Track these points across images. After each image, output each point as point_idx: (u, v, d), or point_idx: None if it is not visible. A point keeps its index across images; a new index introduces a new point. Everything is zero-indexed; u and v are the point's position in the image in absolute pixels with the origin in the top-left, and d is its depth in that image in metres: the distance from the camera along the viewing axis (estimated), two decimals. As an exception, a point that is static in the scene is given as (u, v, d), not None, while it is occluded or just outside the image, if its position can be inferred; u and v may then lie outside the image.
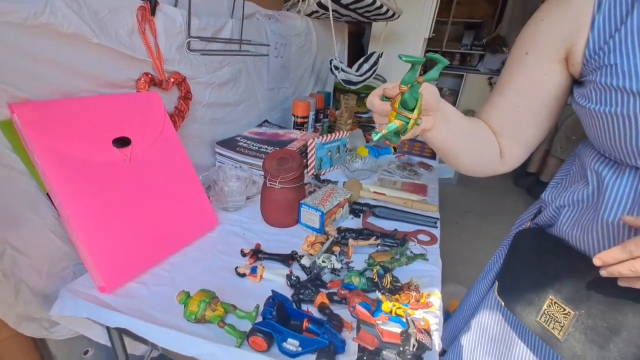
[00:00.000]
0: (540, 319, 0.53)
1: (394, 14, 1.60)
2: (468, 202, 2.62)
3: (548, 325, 0.52)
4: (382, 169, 1.17)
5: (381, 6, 1.45)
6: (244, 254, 0.68)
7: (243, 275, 0.62)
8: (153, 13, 0.69)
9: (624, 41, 0.45)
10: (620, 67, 0.45)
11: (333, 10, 1.46)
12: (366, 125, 1.65)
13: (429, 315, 0.56)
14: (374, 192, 0.98)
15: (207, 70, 0.92)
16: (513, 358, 0.61)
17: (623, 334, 0.44)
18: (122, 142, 0.63)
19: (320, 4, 1.36)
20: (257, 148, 1.00)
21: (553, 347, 0.51)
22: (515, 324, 0.61)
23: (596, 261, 0.42)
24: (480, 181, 3.07)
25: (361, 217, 0.86)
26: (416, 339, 0.44)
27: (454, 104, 3.79)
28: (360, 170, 1.10)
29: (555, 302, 0.52)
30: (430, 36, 2.13)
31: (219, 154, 0.99)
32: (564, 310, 0.50)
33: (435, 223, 0.85)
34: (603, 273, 0.42)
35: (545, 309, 0.53)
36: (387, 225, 0.84)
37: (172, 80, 0.77)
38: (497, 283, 0.65)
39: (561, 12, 0.53)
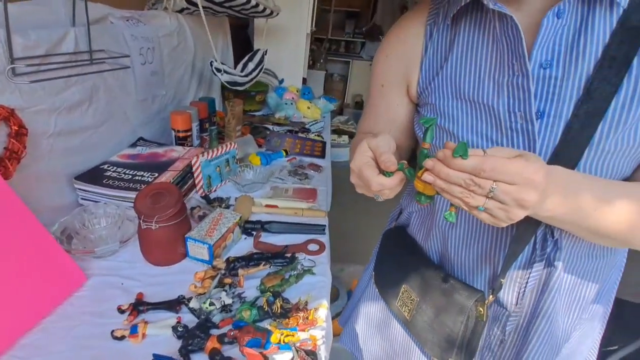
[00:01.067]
0: (397, 304, 0.65)
1: (272, 12, 1.58)
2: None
3: (402, 309, 0.64)
4: (274, 176, 1.19)
5: (257, 5, 1.41)
6: (121, 311, 0.62)
7: (122, 337, 0.57)
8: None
9: (440, 86, 0.55)
10: (436, 107, 0.55)
11: (206, 8, 1.36)
12: (258, 127, 1.63)
13: (317, 330, 0.62)
14: (266, 205, 1.00)
15: (47, 94, 0.77)
16: (392, 335, 0.73)
17: (439, 317, 0.57)
18: None
19: (189, 1, 1.25)
20: (130, 177, 0.89)
21: (406, 326, 0.64)
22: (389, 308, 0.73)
23: (428, 164, 0.40)
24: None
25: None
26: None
27: (344, 88, 4.04)
28: (252, 183, 1.10)
29: (406, 290, 0.63)
30: (313, 30, 2.19)
31: (81, 190, 0.85)
32: (411, 296, 0.62)
33: (323, 230, 0.92)
34: (429, 178, 0.40)
35: (400, 296, 0.64)
36: (281, 239, 0.87)
37: (-9, 118, 0.62)
38: (373, 273, 0.76)
39: (400, 50, 0.61)
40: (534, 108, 0.45)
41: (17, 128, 0.68)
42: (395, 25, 0.62)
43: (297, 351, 0.51)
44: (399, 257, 0.70)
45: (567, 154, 0.45)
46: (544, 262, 0.52)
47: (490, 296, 0.55)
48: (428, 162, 0.40)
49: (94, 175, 0.87)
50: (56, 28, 0.79)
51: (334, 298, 1.56)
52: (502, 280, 0.53)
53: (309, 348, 0.56)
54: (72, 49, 0.83)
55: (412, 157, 0.72)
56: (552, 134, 0.46)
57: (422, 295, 0.60)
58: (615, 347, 1.29)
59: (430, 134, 0.41)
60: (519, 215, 0.38)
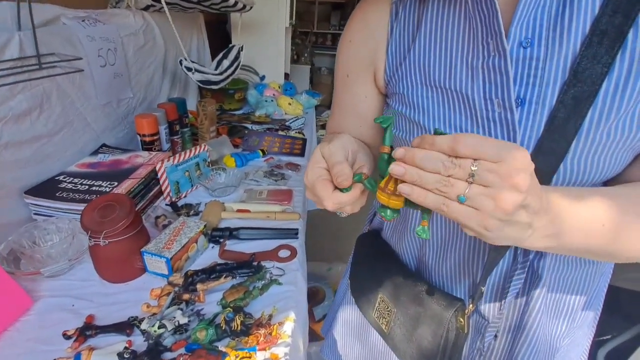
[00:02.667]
0: (374, 315, 0.59)
1: (244, 6, 1.51)
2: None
3: (379, 320, 0.59)
4: (249, 177, 1.14)
5: (226, -1, 1.35)
6: (67, 337, 0.57)
7: (64, 367, 0.52)
8: None
9: (407, 72, 0.48)
10: (405, 97, 0.49)
11: (174, 4, 1.30)
12: (236, 126, 1.58)
13: (280, 347, 0.57)
14: (238, 210, 0.95)
15: (-12, 103, 0.71)
16: (372, 343, 0.68)
17: (418, 330, 0.52)
18: None
19: (153, -3, 1.19)
20: (86, 188, 0.84)
21: (384, 338, 0.58)
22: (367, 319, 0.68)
23: (399, 152, 0.32)
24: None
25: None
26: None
27: (332, 83, 3.93)
28: (224, 187, 1.05)
29: (383, 300, 0.58)
30: (292, 23, 2.12)
31: (33, 204, 0.80)
32: (388, 307, 0.57)
33: (296, 234, 0.87)
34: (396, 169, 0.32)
35: (377, 306, 0.59)
36: (250, 246, 0.82)
37: None
38: (349, 281, 0.71)
39: (363, 34, 0.53)
40: (513, 94, 0.39)
41: (-52, 143, 0.63)
42: (358, 6, 0.55)
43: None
44: (373, 264, 0.65)
45: (552, 146, 0.39)
46: (526, 269, 0.47)
47: (470, 305, 0.50)
48: (399, 150, 0.32)
49: (46, 188, 0.82)
50: (-2, 32, 0.73)
51: (320, 299, 1.52)
52: (482, 288, 0.49)
53: (267, 370, 0.51)
54: (16, 55, 0.77)
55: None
56: (534, 123, 0.40)
57: (398, 306, 0.55)
58: (609, 337, 1.25)
59: (389, 135, 0.35)
60: (511, 201, 0.28)
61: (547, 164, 0.39)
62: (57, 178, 0.86)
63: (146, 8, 1.29)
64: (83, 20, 1.02)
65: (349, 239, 0.84)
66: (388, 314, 0.57)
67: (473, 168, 0.28)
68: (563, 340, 0.54)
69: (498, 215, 0.29)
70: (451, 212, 0.30)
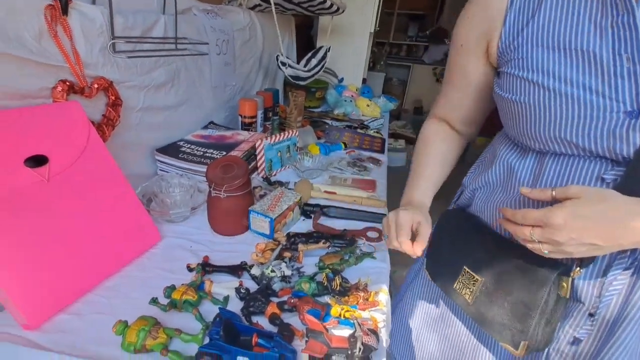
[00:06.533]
0: (456, 287, 0.59)
1: (338, 9, 1.60)
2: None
3: (462, 292, 0.58)
4: (332, 166, 1.19)
5: (324, 1, 1.44)
6: (190, 269, 0.65)
7: (189, 292, 0.59)
8: (65, 12, 0.62)
9: (530, 37, 0.50)
10: (525, 60, 0.50)
11: (277, 4, 1.42)
12: (317, 121, 1.65)
13: (377, 312, 0.58)
14: (325, 191, 0.99)
15: (139, 72, 0.85)
16: (454, 334, 0.66)
17: (514, 294, 0.50)
18: (37, 160, 0.57)
19: (262, -2, 1.32)
20: (201, 153, 0.95)
21: (464, 309, 0.58)
22: (448, 303, 0.66)
23: (507, 213, 0.49)
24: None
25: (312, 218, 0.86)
26: (362, 342, 0.45)
27: (402, 93, 3.94)
28: (311, 169, 1.10)
29: (467, 271, 0.57)
30: (376, 29, 2.17)
31: (160, 161, 0.93)
32: (474, 277, 0.56)
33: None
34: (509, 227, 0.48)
35: (460, 278, 0.59)
36: (339, 224, 0.86)
37: (95, 86, 0.70)
38: (425, 259, 0.70)
39: (480, 10, 0.57)
40: None
41: (114, 98, 0.76)
42: None
43: (359, 325, 0.49)
44: (456, 237, 0.65)
45: None
46: (628, 256, 0.45)
47: (577, 268, 0.47)
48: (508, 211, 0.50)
49: (171, 150, 0.94)
50: (150, 14, 0.88)
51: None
52: (586, 260, 0.46)
53: (370, 327, 0.53)
54: (161, 34, 0.92)
55: (487, 124, 0.68)
56: None
57: (487, 274, 0.55)
58: None
59: None
60: (564, 250, 0.43)
61: None
62: (178, 143, 0.99)
63: (254, 7, 1.43)
64: (208, 13, 1.17)
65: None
66: (473, 283, 0.56)
67: (531, 232, 0.44)
68: None
69: (562, 253, 0.44)
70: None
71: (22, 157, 0.55)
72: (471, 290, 0.56)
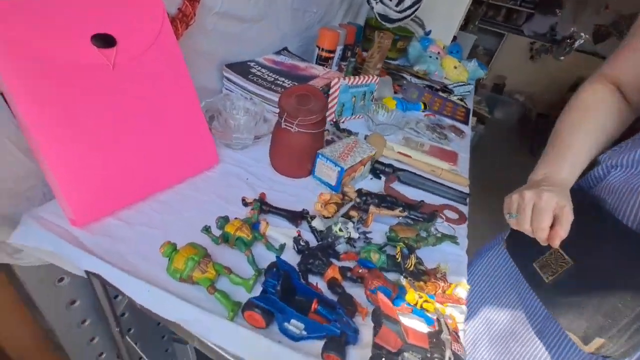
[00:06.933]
0: (535, 264, 0.54)
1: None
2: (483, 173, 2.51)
3: (540, 270, 0.53)
4: (408, 126, 1.03)
5: None
6: (245, 204, 0.58)
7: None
8: None
9: None
10: None
11: None
12: (395, 74, 1.45)
13: (456, 311, 0.48)
14: (399, 152, 0.86)
15: (225, -35, 0.73)
16: (525, 355, 0.56)
17: (614, 289, 0.45)
18: (105, 41, 0.48)
19: None
20: (272, 79, 0.84)
21: (534, 289, 0.55)
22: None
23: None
24: (495, 153, 2.93)
25: (382, 180, 0.75)
26: (452, 350, 0.35)
27: (486, 64, 3.43)
28: (385, 125, 0.96)
29: (558, 252, 0.52)
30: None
31: (228, 79, 0.83)
32: (563, 257, 0.51)
33: (466, 200, 0.74)
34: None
35: (545, 256, 0.53)
36: (411, 193, 0.73)
37: (177, -32, 0.59)
38: (508, 232, 0.64)
39: None
40: None
41: (193, -9, 0.65)
42: None
43: (447, 326, 0.38)
44: None
45: None
46: None
47: None
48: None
49: (241, 68, 0.84)
50: None
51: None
52: None
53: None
54: None
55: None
56: None
57: (588, 259, 0.48)
58: None
59: None
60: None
61: None
62: (249, 63, 0.88)
63: None
64: None
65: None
66: (560, 265, 0.50)
67: None
68: None
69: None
70: None
71: (89, 32, 0.46)
72: (554, 270, 0.51)
